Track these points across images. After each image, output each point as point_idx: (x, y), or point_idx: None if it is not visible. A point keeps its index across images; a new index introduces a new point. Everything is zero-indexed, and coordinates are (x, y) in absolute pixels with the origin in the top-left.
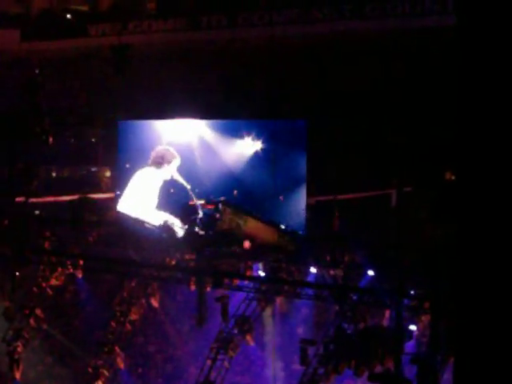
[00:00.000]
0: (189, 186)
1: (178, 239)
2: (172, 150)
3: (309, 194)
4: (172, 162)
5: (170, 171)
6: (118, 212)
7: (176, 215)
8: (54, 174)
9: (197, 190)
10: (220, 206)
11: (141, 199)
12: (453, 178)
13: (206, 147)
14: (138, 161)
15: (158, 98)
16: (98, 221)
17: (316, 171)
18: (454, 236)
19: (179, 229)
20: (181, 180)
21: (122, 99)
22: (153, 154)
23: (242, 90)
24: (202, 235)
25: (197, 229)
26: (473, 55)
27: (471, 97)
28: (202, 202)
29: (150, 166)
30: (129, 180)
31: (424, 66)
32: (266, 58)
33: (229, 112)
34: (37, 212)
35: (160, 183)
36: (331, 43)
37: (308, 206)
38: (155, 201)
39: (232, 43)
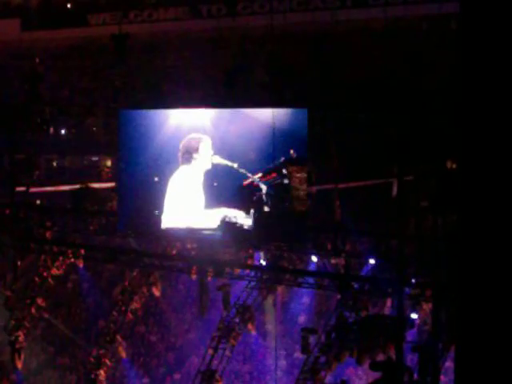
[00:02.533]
0: (235, 165)
1: (247, 232)
2: (194, 134)
3: (310, 183)
4: (200, 147)
5: (205, 158)
6: (164, 230)
7: (234, 205)
8: (54, 164)
9: (243, 170)
10: (284, 170)
11: (185, 206)
12: (454, 167)
13: (232, 114)
14: (139, 151)
15: (158, 87)
16: (99, 210)
17: (317, 160)
18: (455, 225)
19: (244, 219)
20: (223, 161)
21: (122, 88)
22: (179, 154)
23: (242, 79)
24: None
25: (266, 208)
26: (475, 43)
27: (473, 86)
28: (259, 175)
29: (181, 165)
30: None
31: (426, 54)
32: (266, 46)
33: (230, 101)
34: (38, 202)
35: (201, 178)
36: (333, 32)
37: (309, 195)
38: (202, 200)
39: (232, 32)
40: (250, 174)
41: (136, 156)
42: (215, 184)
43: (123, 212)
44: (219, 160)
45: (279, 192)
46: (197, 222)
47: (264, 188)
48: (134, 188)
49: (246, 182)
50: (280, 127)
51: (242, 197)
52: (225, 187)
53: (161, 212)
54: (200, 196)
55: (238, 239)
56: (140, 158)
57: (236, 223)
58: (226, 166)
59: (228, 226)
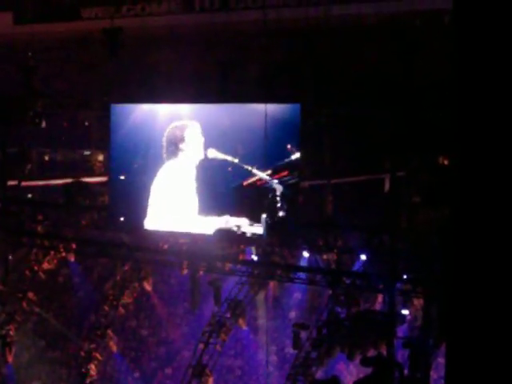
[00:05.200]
0: (236, 160)
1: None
2: (182, 122)
3: (302, 178)
4: (186, 135)
5: (194, 148)
6: (147, 230)
7: (232, 209)
8: (46, 158)
9: (249, 166)
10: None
11: (174, 213)
12: (446, 162)
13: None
14: (131, 145)
15: (151, 82)
16: (91, 204)
17: (309, 155)
18: (447, 220)
19: (249, 227)
20: (221, 155)
21: (115, 82)
22: (163, 145)
23: (235, 74)
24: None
25: (282, 213)
26: (469, 39)
27: (467, 81)
28: (269, 172)
29: (167, 160)
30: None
31: (419, 50)
32: (259, 41)
33: (223, 96)
34: (29, 195)
35: (192, 174)
36: (326, 27)
37: (301, 190)
38: (195, 204)
39: (225, 26)
40: (257, 171)
41: (124, 151)
42: (195, 184)
43: (113, 208)
44: (215, 154)
45: (296, 194)
46: (190, 228)
47: (279, 189)
48: (121, 184)
49: (248, 182)
50: (272, 121)
51: (244, 199)
52: (219, 188)
53: (139, 216)
54: (192, 198)
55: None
56: (128, 153)
57: (230, 229)
58: (224, 161)
59: (223, 233)
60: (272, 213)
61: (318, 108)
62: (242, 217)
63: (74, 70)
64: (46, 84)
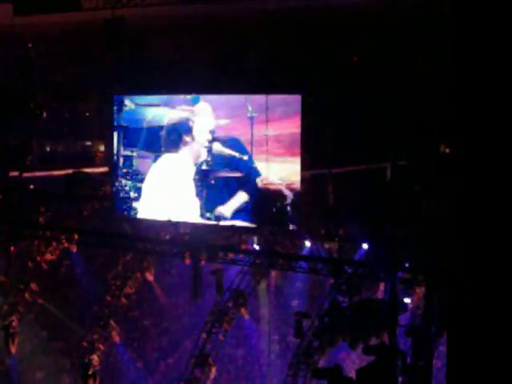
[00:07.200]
0: (246, 157)
1: None
2: (185, 106)
3: (303, 168)
4: (195, 126)
5: (200, 145)
6: (142, 220)
7: (241, 216)
8: (48, 149)
9: (257, 166)
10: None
11: (176, 213)
12: (447, 151)
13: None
14: (133, 135)
15: (151, 72)
16: (92, 195)
17: (311, 144)
18: (448, 209)
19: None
20: (227, 151)
21: (116, 73)
22: (163, 134)
23: (235, 64)
24: None
25: (292, 226)
26: (468, 28)
27: (466, 69)
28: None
29: (167, 151)
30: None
31: (419, 39)
32: (259, 31)
33: (223, 86)
34: (31, 187)
35: (191, 172)
36: (326, 16)
37: (302, 180)
38: (197, 206)
39: (226, 16)
40: (266, 175)
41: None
42: (212, 182)
43: (114, 198)
44: (221, 149)
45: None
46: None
47: (289, 195)
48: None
49: (260, 184)
50: None
51: (253, 203)
52: (222, 187)
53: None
54: (194, 201)
55: None
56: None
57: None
58: (231, 157)
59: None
60: (279, 225)
61: (318, 98)
62: (252, 220)
63: (75, 61)
64: (46, 75)
